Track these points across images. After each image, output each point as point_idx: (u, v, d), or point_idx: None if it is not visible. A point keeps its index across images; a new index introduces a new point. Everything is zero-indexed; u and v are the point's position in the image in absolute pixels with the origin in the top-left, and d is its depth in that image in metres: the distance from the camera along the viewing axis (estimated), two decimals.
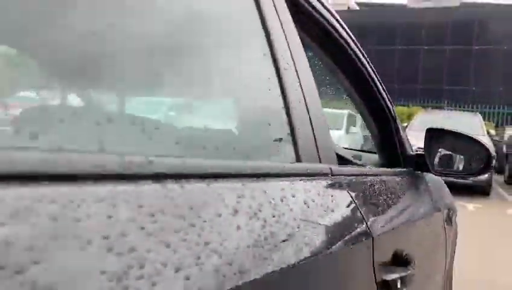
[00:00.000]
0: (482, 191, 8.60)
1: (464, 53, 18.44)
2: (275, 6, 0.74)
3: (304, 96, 0.76)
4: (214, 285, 0.36)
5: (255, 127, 0.65)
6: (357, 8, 26.20)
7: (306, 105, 0.76)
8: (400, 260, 0.92)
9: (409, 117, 12.29)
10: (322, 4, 1.05)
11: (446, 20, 18.43)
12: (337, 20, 1.16)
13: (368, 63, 1.33)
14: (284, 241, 0.52)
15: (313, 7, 1.00)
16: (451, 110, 15.21)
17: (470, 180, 8.17)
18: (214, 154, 0.54)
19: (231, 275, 0.39)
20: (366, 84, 1.35)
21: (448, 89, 18.48)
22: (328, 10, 1.09)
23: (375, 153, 1.88)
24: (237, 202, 0.46)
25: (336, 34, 1.15)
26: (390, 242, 0.93)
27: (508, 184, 10.59)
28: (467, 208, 7.12)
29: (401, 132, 1.54)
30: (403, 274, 0.90)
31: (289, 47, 0.75)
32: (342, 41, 1.19)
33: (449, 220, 2.01)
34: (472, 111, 14.08)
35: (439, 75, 18.74)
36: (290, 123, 0.69)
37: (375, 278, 0.80)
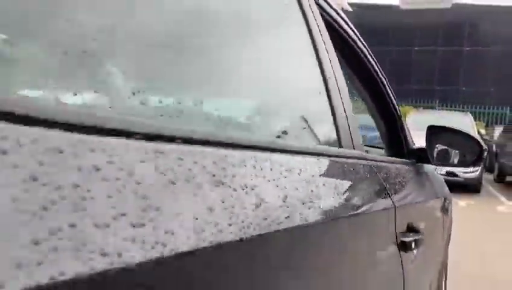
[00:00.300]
0: (473, 188, 8.86)
1: (455, 54, 18.81)
2: (320, 31, 0.97)
3: (341, 99, 0.98)
4: (300, 216, 0.59)
5: (316, 121, 0.88)
6: (350, 9, 26.48)
7: (343, 106, 0.98)
8: (412, 229, 1.16)
9: None
10: (347, 23, 1.28)
11: (438, 21, 18.77)
12: (355, 33, 1.39)
13: (379, 69, 1.56)
14: (339, 201, 0.75)
15: (341, 26, 1.23)
16: (441, 110, 15.48)
17: (462, 178, 8.48)
18: (295, 140, 0.77)
19: (310, 212, 0.62)
20: (377, 89, 1.58)
21: (440, 89, 18.83)
22: (350, 27, 1.32)
23: (378, 148, 2.12)
24: (312, 169, 0.69)
25: (356, 47, 1.38)
26: (406, 214, 1.16)
27: (497, 182, 10.88)
28: (459, 205, 7.39)
29: (405, 128, 1.77)
30: (416, 238, 1.14)
31: (330, 61, 0.98)
32: (359, 52, 1.42)
33: (445, 209, 2.24)
34: (463, 111, 14.34)
35: (431, 76, 19.08)
36: (335, 119, 0.92)
37: (397, 239, 1.04)
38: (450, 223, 2.49)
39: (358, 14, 21.95)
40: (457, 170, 8.32)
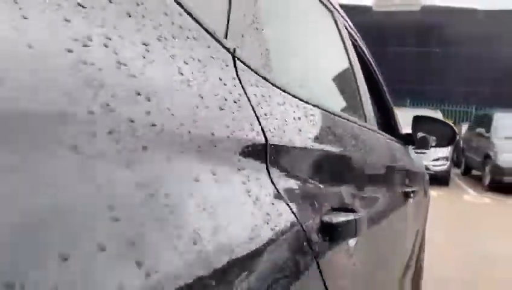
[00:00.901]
0: (442, 181, 9.55)
1: (424, 55, 19.57)
2: (349, 45, 1.42)
3: (364, 91, 1.44)
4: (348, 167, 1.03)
5: (356, 105, 1.34)
6: None
7: (366, 95, 1.44)
8: (409, 185, 1.63)
9: None
10: (358, 36, 1.74)
11: (408, 23, 19.47)
12: (361, 41, 1.85)
13: (378, 70, 2.03)
14: (374, 156, 1.20)
15: (353, 37, 1.69)
16: (413, 108, 16.10)
17: (433, 171, 9.15)
18: (345, 114, 1.22)
19: (352, 167, 1.06)
20: (376, 87, 2.05)
21: (411, 88, 19.54)
22: (359, 38, 1.78)
23: None
24: (357, 132, 1.13)
25: (362, 53, 1.83)
26: (406, 175, 1.63)
27: (464, 175, 11.63)
28: (431, 195, 7.99)
29: (395, 118, 2.24)
30: (413, 190, 1.62)
31: (355, 65, 1.44)
32: (364, 57, 1.87)
33: (425, 189, 2.70)
34: (433, 109, 14.97)
35: (402, 75, 19.79)
36: (362, 103, 1.38)
37: (402, 189, 1.51)
38: (427, 204, 2.92)
39: None
40: (429, 164, 8.98)
